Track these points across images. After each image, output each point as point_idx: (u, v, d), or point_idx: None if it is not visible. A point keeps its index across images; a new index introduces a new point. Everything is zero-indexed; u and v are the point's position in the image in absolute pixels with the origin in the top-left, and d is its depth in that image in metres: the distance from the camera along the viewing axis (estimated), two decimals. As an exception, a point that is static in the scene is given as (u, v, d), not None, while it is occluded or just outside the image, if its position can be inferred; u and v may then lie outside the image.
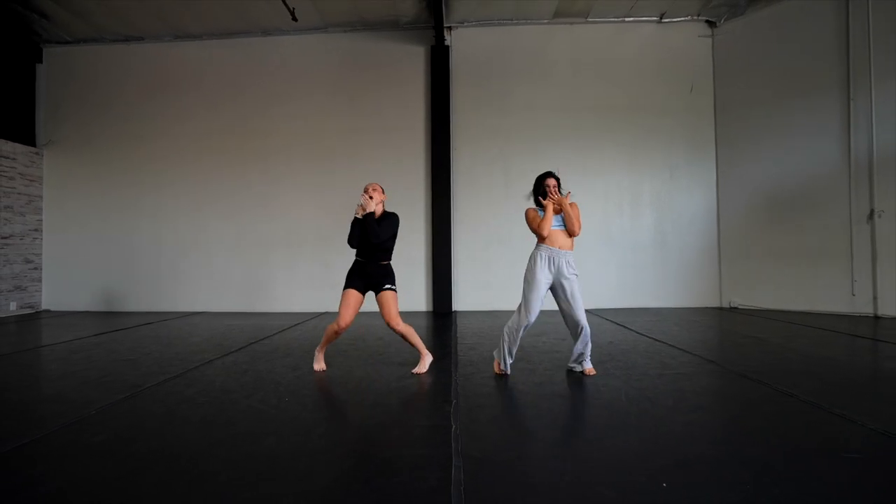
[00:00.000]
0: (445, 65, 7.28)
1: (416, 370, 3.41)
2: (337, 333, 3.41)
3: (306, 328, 5.60)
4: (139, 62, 7.67)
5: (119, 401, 2.78)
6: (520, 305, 3.26)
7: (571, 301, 3.18)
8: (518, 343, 3.30)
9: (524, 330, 3.23)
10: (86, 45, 7.66)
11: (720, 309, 7.10)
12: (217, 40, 7.57)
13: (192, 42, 7.60)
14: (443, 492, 1.64)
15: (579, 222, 3.29)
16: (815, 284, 6.40)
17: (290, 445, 2.09)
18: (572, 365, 3.39)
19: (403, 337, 3.45)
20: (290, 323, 5.99)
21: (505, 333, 3.28)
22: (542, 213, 3.29)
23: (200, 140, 7.57)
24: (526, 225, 3.41)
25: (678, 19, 7.35)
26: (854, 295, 6.09)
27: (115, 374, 3.44)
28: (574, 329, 3.24)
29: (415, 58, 7.41)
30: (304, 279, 7.34)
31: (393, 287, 3.45)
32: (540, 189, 3.38)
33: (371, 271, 3.45)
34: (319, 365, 3.52)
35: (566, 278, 3.20)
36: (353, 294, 3.39)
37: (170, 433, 2.27)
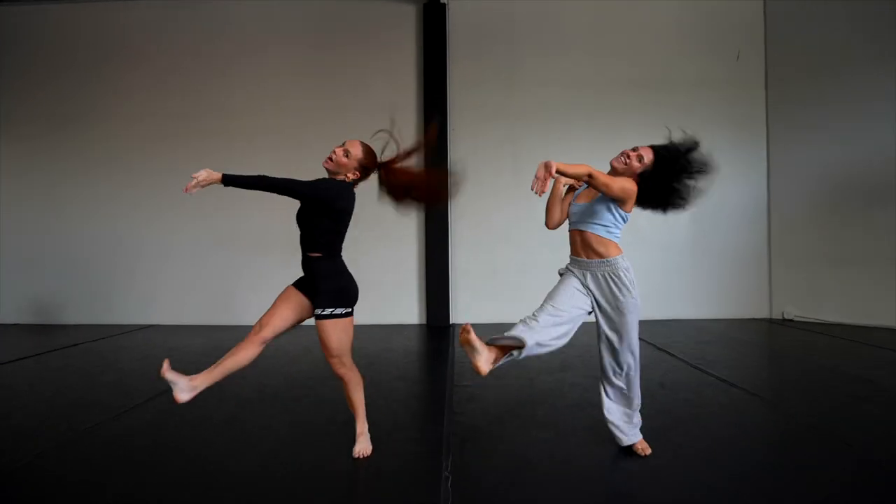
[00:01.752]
0: (442, 28, 6.07)
1: (357, 451, 2.15)
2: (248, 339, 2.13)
3: (273, 351, 4.47)
4: (88, 25, 6.42)
5: None
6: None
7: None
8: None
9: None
10: (26, 3, 6.44)
11: (770, 321, 5.96)
12: (174, 1, 6.37)
13: (135, 2, 6.39)
14: None
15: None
16: (893, 294, 5.23)
17: None
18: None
19: (344, 385, 2.17)
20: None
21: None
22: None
23: (158, 120, 6.37)
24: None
25: (721, -26, 6.11)
26: (947, 308, 4.92)
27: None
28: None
29: (404, 19, 6.20)
30: (276, 287, 6.15)
31: (334, 312, 2.09)
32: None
33: (305, 268, 2.26)
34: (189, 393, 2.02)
35: None
36: (287, 293, 2.26)
37: None
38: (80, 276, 6.42)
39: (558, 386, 3.29)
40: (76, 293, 6.42)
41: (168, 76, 6.38)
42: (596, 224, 2.10)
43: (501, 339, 1.96)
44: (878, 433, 2.40)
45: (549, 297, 2.13)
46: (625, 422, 2.13)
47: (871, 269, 5.34)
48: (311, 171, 6.04)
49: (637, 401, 2.15)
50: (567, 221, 2.24)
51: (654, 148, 2.17)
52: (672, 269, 6.12)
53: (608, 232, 2.12)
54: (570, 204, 2.25)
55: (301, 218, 2.22)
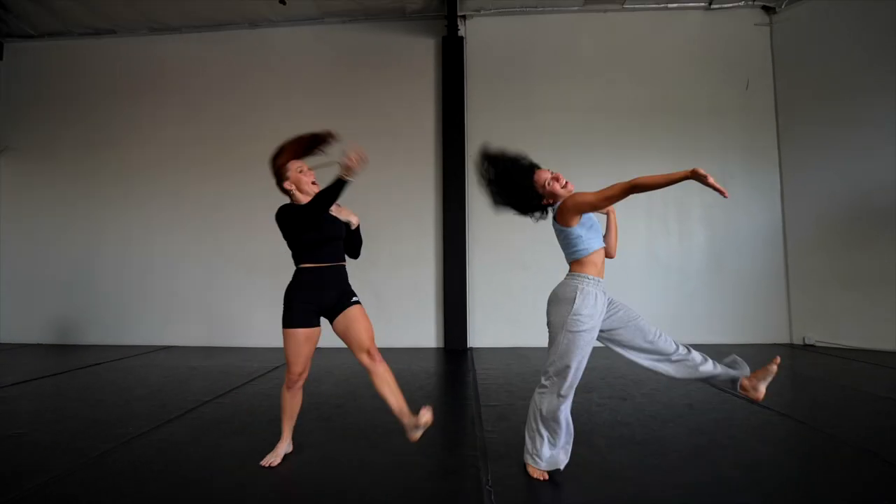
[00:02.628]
0: (459, 59, 6.26)
1: (412, 436, 2.17)
2: (291, 389, 2.36)
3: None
4: (110, 59, 6.75)
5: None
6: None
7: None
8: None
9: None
10: (51, 39, 6.77)
11: (791, 346, 5.89)
12: (198, 33, 6.65)
13: (169, 36, 6.68)
14: None
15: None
16: (916, 318, 5.18)
17: None
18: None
19: (378, 384, 2.28)
20: (269, 365, 4.85)
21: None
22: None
23: (178, 148, 6.59)
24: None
25: (730, 5, 6.31)
26: (974, 333, 4.86)
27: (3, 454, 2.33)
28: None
29: (424, 51, 6.42)
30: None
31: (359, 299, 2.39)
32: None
33: (329, 280, 2.37)
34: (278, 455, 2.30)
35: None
36: (301, 335, 2.32)
37: None
38: (102, 298, 6.49)
39: (585, 405, 3.26)
40: (97, 315, 6.48)
41: (201, 103, 6.59)
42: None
43: None
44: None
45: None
46: (715, 366, 2.11)
47: (884, 291, 5.31)
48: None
49: (679, 348, 2.13)
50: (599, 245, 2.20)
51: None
52: (689, 294, 6.11)
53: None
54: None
55: (336, 229, 2.40)
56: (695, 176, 1.79)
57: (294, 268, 2.42)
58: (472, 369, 4.62)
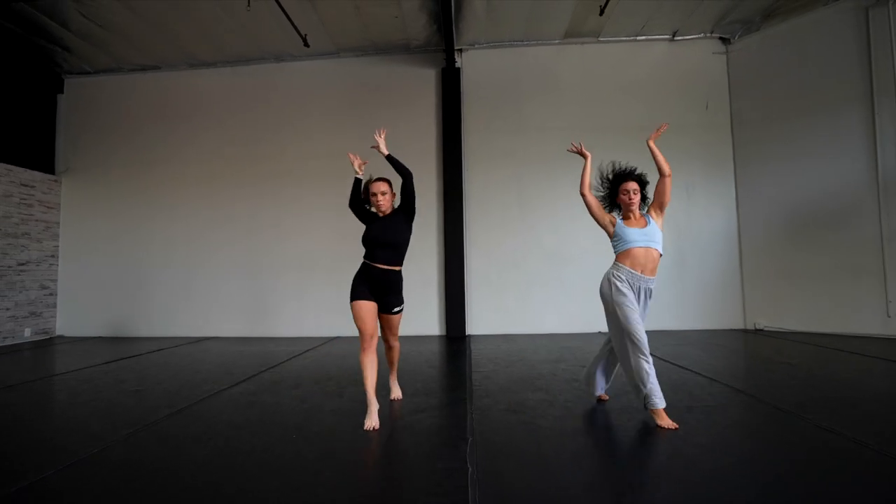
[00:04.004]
0: (456, 87, 7.28)
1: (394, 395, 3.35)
2: (366, 351, 2.88)
3: (317, 354, 5.49)
4: (155, 90, 7.82)
5: (124, 437, 2.67)
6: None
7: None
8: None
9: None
10: (105, 75, 7.84)
11: (744, 331, 6.83)
12: (230, 67, 7.70)
13: (206, 70, 7.74)
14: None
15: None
16: (846, 305, 6.12)
17: (293, 488, 1.95)
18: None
19: (391, 356, 3.31)
20: (301, 349, 5.88)
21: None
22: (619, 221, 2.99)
23: (213, 165, 7.64)
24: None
25: (691, 37, 7.28)
26: (889, 316, 5.80)
27: (121, 406, 3.35)
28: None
29: (426, 81, 7.43)
30: (315, 304, 7.25)
31: (402, 308, 3.16)
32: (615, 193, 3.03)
33: (377, 277, 3.01)
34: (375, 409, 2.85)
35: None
36: (365, 305, 2.96)
37: (172, 473, 2.15)
38: (150, 297, 7.55)
39: (552, 370, 4.25)
40: (147, 312, 7.53)
41: (233, 127, 7.63)
42: (657, 244, 2.92)
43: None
44: (814, 404, 3.32)
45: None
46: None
47: (825, 284, 6.26)
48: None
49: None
50: (623, 243, 2.92)
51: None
52: (657, 287, 7.04)
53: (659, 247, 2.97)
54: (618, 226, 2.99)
55: (395, 233, 3.07)
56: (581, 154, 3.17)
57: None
58: (469, 349, 5.62)
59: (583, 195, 3.05)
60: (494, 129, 7.34)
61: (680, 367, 4.38)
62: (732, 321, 7.03)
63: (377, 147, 3.21)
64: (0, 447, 2.59)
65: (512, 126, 7.39)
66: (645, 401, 2.71)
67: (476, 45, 7.38)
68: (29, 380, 4.35)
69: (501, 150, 7.34)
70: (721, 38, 7.29)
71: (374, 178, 3.15)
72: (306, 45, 6.59)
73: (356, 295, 2.96)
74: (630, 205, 2.93)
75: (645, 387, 2.68)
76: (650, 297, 2.92)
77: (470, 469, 2.14)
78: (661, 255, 2.90)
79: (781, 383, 3.70)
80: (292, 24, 6.10)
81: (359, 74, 7.52)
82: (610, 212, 3.07)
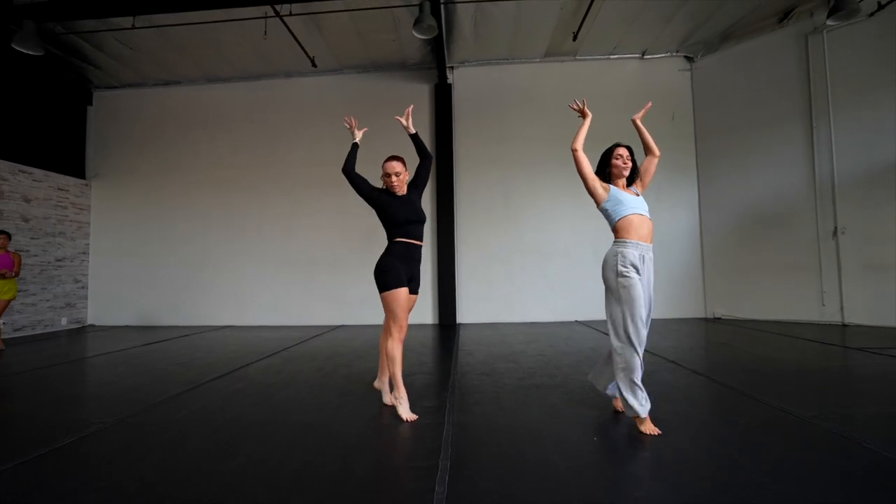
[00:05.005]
0: (448, 101, 8.10)
1: (377, 383, 3.23)
2: (402, 341, 2.81)
3: (326, 338, 6.32)
4: (175, 103, 8.62)
5: (186, 391, 3.51)
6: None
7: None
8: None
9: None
10: (130, 89, 8.64)
11: (705, 319, 7.68)
12: (244, 82, 8.50)
13: (221, 84, 8.54)
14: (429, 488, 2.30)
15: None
16: (789, 296, 6.97)
17: (318, 418, 2.79)
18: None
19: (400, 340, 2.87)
20: (310, 335, 6.71)
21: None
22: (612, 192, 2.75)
23: (228, 170, 8.45)
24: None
25: (659, 56, 8.10)
26: (824, 305, 6.66)
27: (174, 373, 4.18)
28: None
29: (420, 95, 8.25)
30: (320, 296, 8.08)
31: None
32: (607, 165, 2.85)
33: (415, 255, 2.90)
34: (390, 398, 3.00)
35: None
36: (405, 292, 2.81)
37: (230, 412, 2.98)
38: (173, 290, 8.37)
39: (524, 349, 5.09)
40: (169, 303, 8.35)
41: (246, 137, 8.44)
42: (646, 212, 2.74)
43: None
44: (730, 372, 4.15)
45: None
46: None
47: (772, 277, 7.11)
48: (357, 206, 7.99)
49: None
50: (623, 207, 2.69)
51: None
52: (627, 280, 7.91)
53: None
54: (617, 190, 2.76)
55: (419, 211, 2.94)
56: (582, 113, 2.95)
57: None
58: (458, 334, 6.46)
59: (574, 150, 2.86)
60: (482, 138, 8.16)
61: (660, 357, 5.22)
62: (695, 311, 7.88)
63: (403, 122, 3.14)
64: (97, 399, 3.41)
65: (497, 135, 8.20)
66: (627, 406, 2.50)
67: (465, 64, 8.19)
68: (88, 356, 5.18)
69: (488, 157, 8.15)
70: (686, 57, 8.12)
71: (389, 156, 2.96)
72: (314, 65, 7.39)
73: (399, 281, 2.76)
74: (623, 169, 2.81)
75: (633, 395, 2.46)
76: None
77: (447, 406, 2.98)
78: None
79: (731, 364, 4.54)
80: (302, 48, 6.90)
81: (360, 89, 8.33)
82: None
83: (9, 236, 5.81)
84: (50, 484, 1.96)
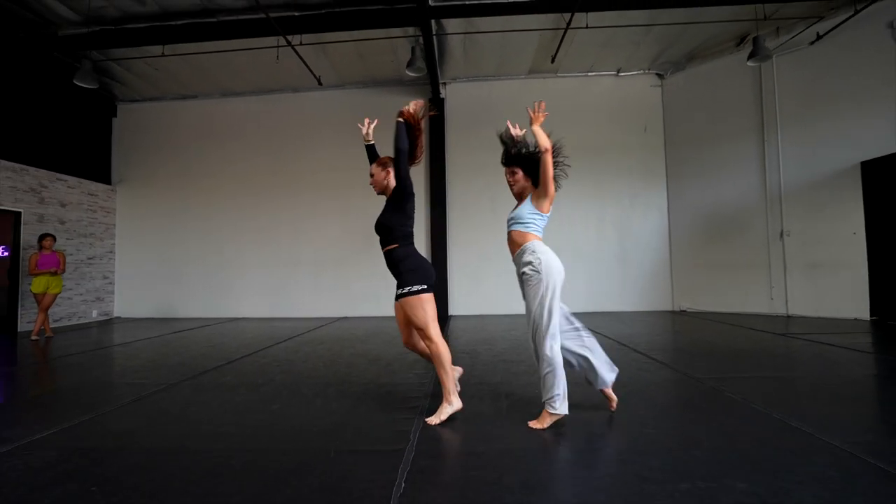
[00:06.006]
0: (441, 113, 8.92)
1: (431, 419, 2.60)
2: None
3: (332, 327, 7.18)
4: (193, 115, 9.44)
5: (223, 365, 4.35)
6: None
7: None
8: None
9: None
10: (150, 102, 9.46)
11: (672, 312, 8.53)
12: (255, 96, 9.32)
13: (235, 98, 9.36)
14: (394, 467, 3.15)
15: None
16: (744, 290, 7.82)
17: (334, 382, 3.64)
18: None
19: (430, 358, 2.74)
20: (318, 325, 7.56)
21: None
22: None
23: (241, 176, 9.28)
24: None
25: (632, 73, 8.93)
26: (772, 299, 7.52)
27: (209, 353, 5.03)
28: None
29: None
30: (326, 291, 8.93)
31: (410, 290, 2.64)
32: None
33: (388, 264, 2.82)
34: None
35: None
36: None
37: (263, 377, 3.83)
38: (190, 285, 9.21)
39: (503, 335, 5.94)
40: (187, 297, 9.20)
41: (257, 146, 9.27)
42: (518, 223, 2.70)
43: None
44: (671, 352, 5.00)
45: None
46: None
47: (730, 274, 7.97)
48: (359, 209, 8.99)
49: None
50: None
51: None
52: (603, 275, 8.77)
53: (531, 227, 2.68)
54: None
55: (380, 217, 2.82)
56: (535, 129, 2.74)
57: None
58: (449, 325, 7.32)
59: (546, 152, 2.67)
60: (472, 147, 8.99)
61: (616, 341, 6.08)
62: (664, 304, 8.74)
63: (363, 130, 3.26)
64: (154, 370, 4.26)
65: (486, 144, 8.89)
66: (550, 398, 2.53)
67: (457, 80, 9.02)
68: (129, 341, 6.03)
69: (478, 164, 8.98)
70: (657, 74, 8.94)
71: None
72: (320, 83, 8.22)
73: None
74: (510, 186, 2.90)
75: (554, 387, 2.52)
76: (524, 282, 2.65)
77: (431, 374, 3.83)
78: (521, 233, 2.71)
79: (671, 346, 5.41)
80: (309, 69, 7.72)
81: (361, 103, 9.15)
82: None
83: (54, 238, 6.65)
84: (141, 422, 2.82)
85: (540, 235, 2.73)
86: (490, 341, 5.50)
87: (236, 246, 9.24)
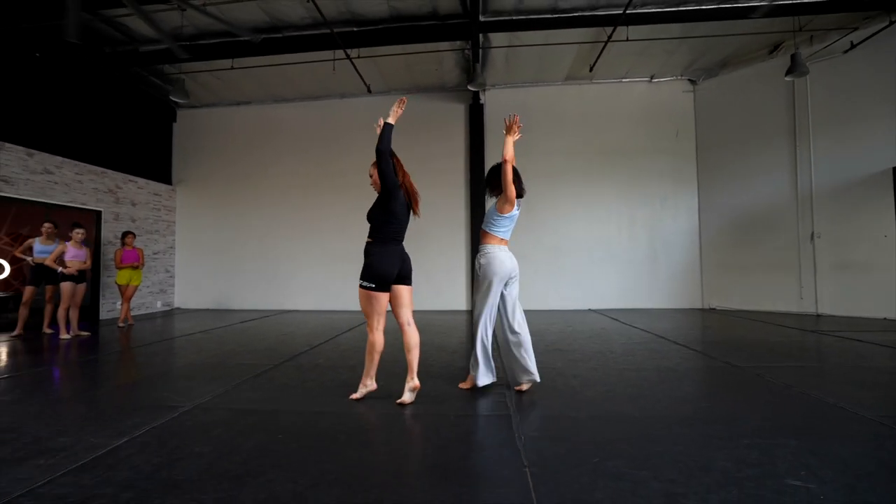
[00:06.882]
0: (480, 118, 9.40)
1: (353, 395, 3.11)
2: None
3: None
4: (246, 119, 10.08)
5: (305, 351, 4.91)
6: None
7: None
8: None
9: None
10: (207, 108, 10.12)
11: (702, 310, 8.89)
12: (304, 102, 9.91)
13: (285, 104, 9.97)
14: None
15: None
16: (773, 290, 8.15)
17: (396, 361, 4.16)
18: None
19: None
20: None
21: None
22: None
23: (291, 177, 9.89)
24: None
25: (665, 79, 9.27)
26: (802, 298, 7.83)
27: (286, 340, 5.61)
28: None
29: (457, 114, 9.56)
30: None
31: (360, 283, 3.01)
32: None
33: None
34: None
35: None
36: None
37: (353, 360, 4.37)
38: (244, 279, 9.87)
39: (546, 328, 6.41)
40: (241, 290, 9.86)
41: (306, 149, 9.87)
42: (484, 223, 3.34)
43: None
44: (710, 345, 5.42)
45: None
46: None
47: (760, 273, 8.29)
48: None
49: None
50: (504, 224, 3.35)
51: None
52: (634, 274, 9.16)
53: (490, 227, 3.28)
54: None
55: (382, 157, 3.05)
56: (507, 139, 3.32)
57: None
58: (490, 318, 7.80)
59: (506, 162, 3.34)
60: (510, 152, 9.41)
61: (654, 334, 6.52)
62: (693, 302, 9.10)
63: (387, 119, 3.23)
64: (251, 353, 4.84)
65: (523, 149, 9.32)
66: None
67: (496, 86, 9.47)
68: (207, 329, 6.66)
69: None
70: (690, 80, 9.27)
71: None
72: (369, 91, 8.76)
73: None
74: None
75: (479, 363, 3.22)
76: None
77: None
78: (483, 232, 3.38)
79: (704, 339, 5.83)
80: (362, 79, 8.27)
81: (405, 108, 9.63)
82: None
83: (135, 235, 7.32)
84: (275, 392, 3.38)
85: (498, 234, 3.28)
86: (536, 333, 5.97)
87: (286, 242, 9.86)
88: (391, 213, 3.03)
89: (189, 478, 1.95)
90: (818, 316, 7.53)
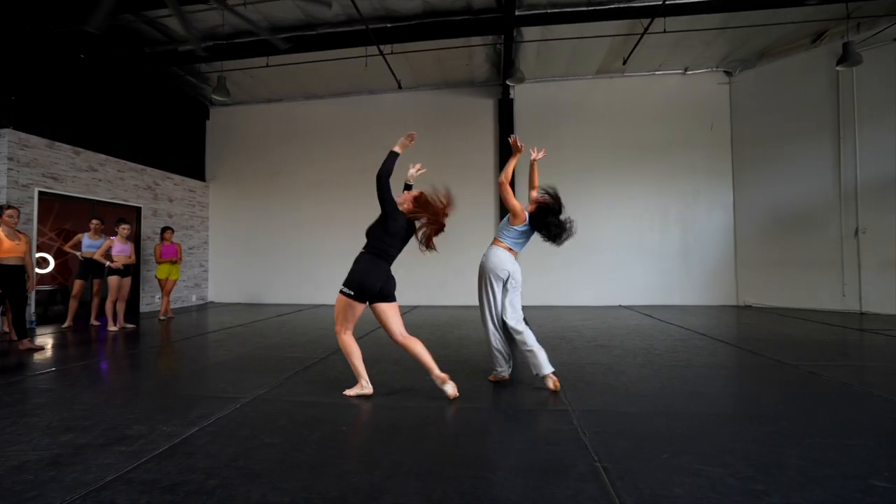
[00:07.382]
0: (509, 113, 9.34)
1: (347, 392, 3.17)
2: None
3: (414, 314, 7.78)
4: (277, 117, 10.22)
5: (346, 344, 4.97)
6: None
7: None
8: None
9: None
10: (240, 105, 10.29)
11: (737, 307, 8.70)
12: (335, 99, 9.99)
13: (316, 101, 10.07)
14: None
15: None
16: (814, 287, 7.93)
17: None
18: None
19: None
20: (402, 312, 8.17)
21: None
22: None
23: (321, 174, 10.00)
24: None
25: (700, 71, 9.06)
26: (844, 295, 7.60)
27: (326, 334, 5.70)
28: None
29: (486, 108, 9.52)
30: (400, 280, 9.52)
31: (340, 288, 3.19)
32: None
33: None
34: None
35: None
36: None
37: (396, 355, 4.42)
38: (275, 274, 10.04)
39: (581, 324, 6.36)
40: (272, 284, 10.03)
41: (336, 145, 9.96)
42: (497, 232, 3.58)
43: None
44: (758, 343, 5.32)
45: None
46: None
47: (799, 270, 8.07)
48: None
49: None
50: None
51: (545, 200, 3.53)
52: (666, 270, 9.02)
53: (499, 234, 3.55)
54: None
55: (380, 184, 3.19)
56: (514, 147, 3.57)
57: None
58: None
59: (501, 183, 3.55)
60: (539, 145, 9.27)
61: (693, 331, 6.42)
62: (727, 299, 8.91)
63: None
64: (294, 346, 4.93)
65: (553, 143, 9.29)
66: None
67: (526, 81, 9.37)
68: (247, 322, 6.80)
69: (544, 163, 9.26)
70: (725, 72, 9.04)
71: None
72: (400, 87, 8.78)
73: None
74: None
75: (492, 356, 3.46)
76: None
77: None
78: (495, 239, 3.63)
79: (744, 334, 5.72)
80: (394, 74, 8.29)
81: (434, 104, 9.67)
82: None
83: (173, 231, 7.50)
84: (329, 384, 3.43)
85: (506, 242, 3.51)
86: (574, 329, 5.94)
87: (316, 237, 9.98)
88: (387, 232, 3.17)
89: (267, 468, 2.00)
90: (862, 314, 7.30)
